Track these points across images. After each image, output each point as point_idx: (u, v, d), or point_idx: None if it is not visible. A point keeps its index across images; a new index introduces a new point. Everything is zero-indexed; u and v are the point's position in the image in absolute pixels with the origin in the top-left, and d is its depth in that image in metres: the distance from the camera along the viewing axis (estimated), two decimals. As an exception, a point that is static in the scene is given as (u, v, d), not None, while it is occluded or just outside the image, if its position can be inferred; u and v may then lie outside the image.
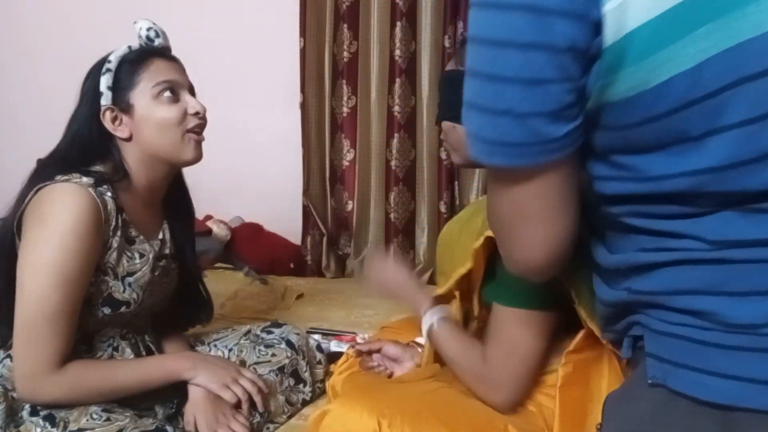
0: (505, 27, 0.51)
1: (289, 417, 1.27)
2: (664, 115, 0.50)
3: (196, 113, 1.14)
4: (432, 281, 2.21)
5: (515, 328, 0.94)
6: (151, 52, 1.15)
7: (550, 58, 0.50)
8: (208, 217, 2.56)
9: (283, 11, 2.60)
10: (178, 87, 1.14)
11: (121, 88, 1.11)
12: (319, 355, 1.41)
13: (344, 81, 2.54)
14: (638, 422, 0.59)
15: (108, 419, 1.04)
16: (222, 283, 2.08)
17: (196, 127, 1.15)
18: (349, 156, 2.60)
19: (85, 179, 1.05)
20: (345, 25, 2.50)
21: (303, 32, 2.52)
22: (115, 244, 1.10)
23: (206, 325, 1.41)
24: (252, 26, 2.69)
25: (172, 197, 1.26)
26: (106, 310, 1.11)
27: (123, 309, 1.13)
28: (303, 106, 2.56)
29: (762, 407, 0.50)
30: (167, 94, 1.11)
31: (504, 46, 0.51)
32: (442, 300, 1.12)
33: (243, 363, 1.31)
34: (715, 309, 0.52)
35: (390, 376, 1.28)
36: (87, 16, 2.82)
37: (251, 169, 2.67)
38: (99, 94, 1.10)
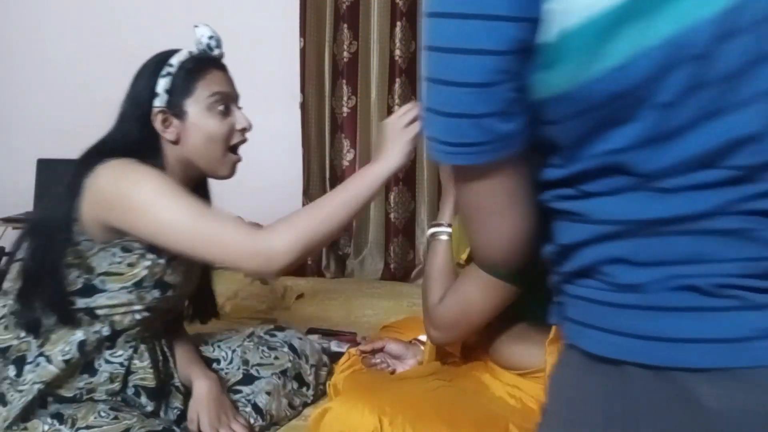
0: (455, 34, 0.54)
1: (290, 419, 1.28)
2: (599, 106, 0.53)
3: (243, 129, 1.17)
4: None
5: (474, 286, 0.98)
6: (209, 61, 1.17)
7: (497, 60, 0.53)
8: (208, 217, 2.56)
9: (283, 11, 2.60)
10: (230, 100, 1.17)
11: (177, 93, 1.12)
12: (324, 358, 1.41)
13: (344, 81, 2.54)
14: (562, 383, 0.65)
15: (116, 417, 1.05)
16: (222, 283, 2.07)
17: (239, 145, 1.18)
18: (349, 156, 2.60)
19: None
20: (345, 25, 2.50)
21: (303, 32, 2.52)
22: None
23: (206, 323, 1.41)
24: (252, 26, 2.69)
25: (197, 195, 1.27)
26: (156, 293, 1.12)
27: (169, 293, 1.14)
28: (303, 106, 2.57)
29: (644, 360, 0.54)
30: (220, 107, 1.13)
31: (456, 53, 0.54)
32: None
33: (246, 363, 1.31)
34: (613, 273, 0.57)
35: (392, 373, 1.28)
36: (85, 17, 2.82)
37: (251, 168, 2.65)
38: (154, 95, 1.11)
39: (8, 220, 2.66)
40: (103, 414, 1.04)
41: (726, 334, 0.52)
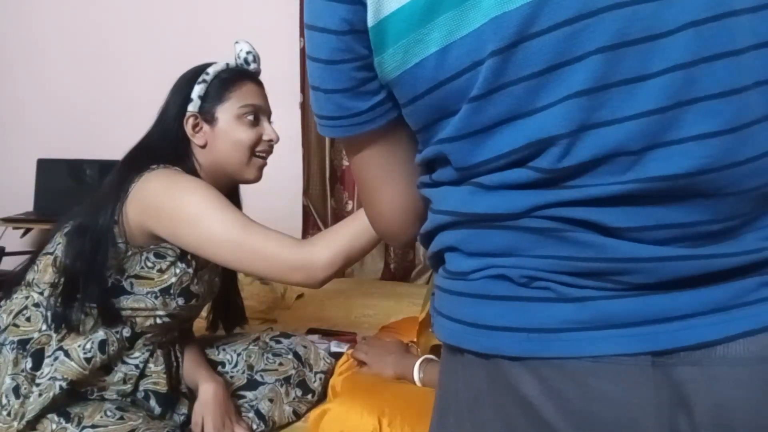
0: (309, 13, 0.59)
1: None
2: (424, 93, 0.56)
3: (270, 140, 1.22)
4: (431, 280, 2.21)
5: None
6: (245, 74, 1.22)
7: (338, 40, 0.57)
8: (208, 217, 2.56)
9: (283, 11, 2.60)
10: (260, 112, 1.22)
11: (210, 100, 1.17)
12: (332, 362, 1.40)
13: (344, 81, 2.54)
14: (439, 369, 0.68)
15: (121, 418, 1.05)
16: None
17: (264, 152, 1.22)
18: (349, 156, 2.60)
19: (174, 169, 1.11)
20: (345, 25, 2.50)
21: (303, 32, 2.52)
22: None
23: (230, 331, 1.44)
24: (252, 26, 2.68)
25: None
26: (180, 301, 1.15)
27: (193, 302, 1.17)
28: (303, 106, 2.57)
29: (470, 347, 0.57)
30: (250, 117, 1.19)
31: (310, 29, 0.59)
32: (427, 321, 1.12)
33: (251, 368, 1.32)
34: (449, 260, 0.61)
35: None
36: (90, 16, 2.82)
37: (251, 169, 2.68)
38: (189, 100, 1.17)
39: (8, 220, 2.66)
40: (109, 413, 1.05)
41: (537, 324, 0.53)
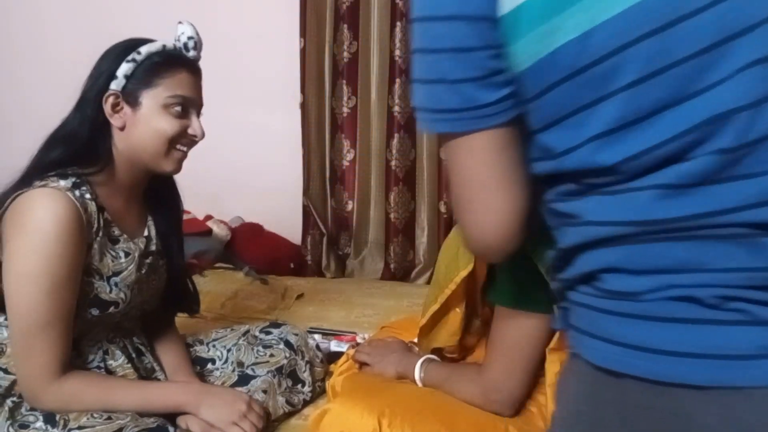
0: (431, 3, 0.56)
1: (289, 416, 1.27)
2: (557, 83, 0.53)
3: (194, 136, 1.14)
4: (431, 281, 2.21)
5: (514, 329, 0.94)
6: (182, 60, 1.13)
7: (470, 27, 0.54)
8: (208, 217, 2.56)
9: (283, 11, 2.60)
10: (190, 105, 1.13)
11: (136, 82, 1.09)
12: (318, 354, 1.40)
13: (344, 81, 2.54)
14: (567, 393, 0.63)
15: (109, 418, 1.03)
16: (222, 283, 2.08)
17: (185, 145, 1.14)
18: (349, 156, 2.60)
19: (62, 182, 1.04)
20: (345, 25, 2.50)
21: (303, 32, 2.52)
22: (97, 245, 1.08)
23: (193, 315, 1.40)
24: (252, 26, 2.69)
25: (157, 190, 1.23)
26: (94, 312, 1.10)
27: (111, 309, 1.12)
28: (303, 106, 2.56)
29: (641, 374, 0.52)
30: (177, 108, 1.10)
31: (432, 20, 0.56)
32: (438, 314, 1.11)
33: (241, 364, 1.31)
34: (607, 280, 0.55)
35: None
36: (86, 17, 2.82)
37: (251, 169, 2.67)
38: (113, 77, 1.09)
39: (8, 220, 2.66)
40: (96, 414, 1.03)
41: (728, 350, 0.49)
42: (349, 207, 2.63)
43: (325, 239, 2.60)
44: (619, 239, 0.53)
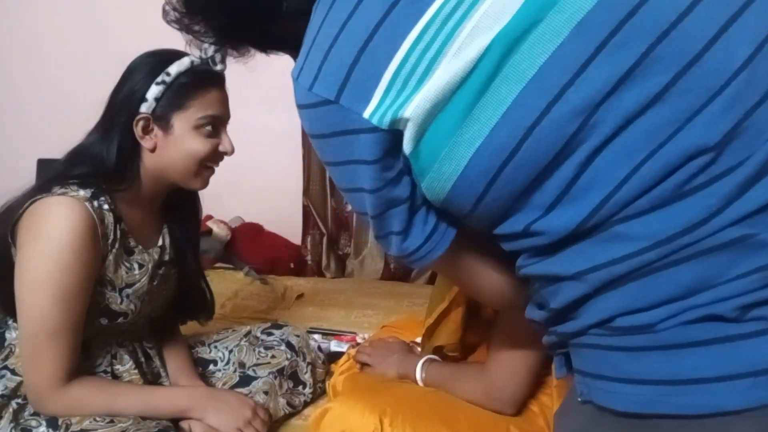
0: (343, 176, 0.62)
1: (290, 416, 1.27)
2: (487, 188, 0.55)
3: (225, 153, 1.15)
4: (432, 281, 2.21)
5: (517, 327, 0.93)
6: (210, 78, 1.12)
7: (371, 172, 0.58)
8: (208, 217, 2.56)
9: (283, 11, 2.60)
10: (220, 123, 1.13)
11: (167, 104, 1.08)
12: (320, 356, 1.40)
13: (344, 81, 2.54)
14: (571, 429, 0.60)
15: (111, 421, 1.03)
16: (222, 283, 2.08)
17: (215, 163, 1.15)
18: (349, 156, 2.60)
19: (82, 192, 1.04)
20: (345, 25, 2.50)
21: (303, 32, 2.52)
22: (112, 257, 1.08)
23: (205, 324, 1.40)
24: (252, 26, 2.68)
25: (174, 199, 1.23)
26: (103, 321, 1.10)
27: (120, 320, 1.12)
28: (303, 106, 2.56)
29: (672, 411, 0.48)
30: (209, 128, 1.10)
31: (352, 191, 0.62)
32: (442, 313, 1.11)
33: (242, 365, 1.31)
34: (621, 321, 0.52)
35: None
36: (89, 17, 2.82)
37: (251, 169, 2.66)
38: (143, 100, 1.07)
39: (8, 220, 2.66)
40: (98, 418, 1.03)
41: (758, 365, 0.45)
42: (349, 207, 2.63)
43: (325, 239, 2.60)
44: (619, 281, 0.51)
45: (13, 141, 2.98)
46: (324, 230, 2.61)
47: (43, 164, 2.79)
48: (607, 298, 0.52)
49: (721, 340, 0.47)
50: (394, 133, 0.55)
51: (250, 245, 2.49)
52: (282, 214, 2.65)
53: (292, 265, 2.57)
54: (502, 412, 0.98)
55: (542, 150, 0.51)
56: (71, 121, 3.36)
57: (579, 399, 0.58)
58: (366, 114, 0.55)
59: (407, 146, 0.55)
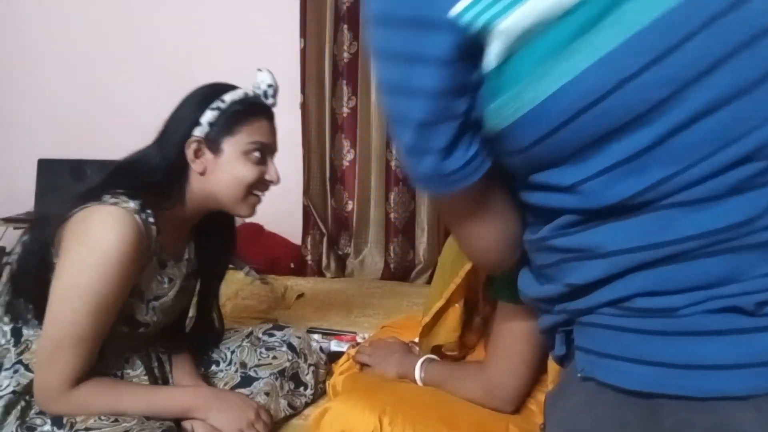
0: (394, 75, 0.55)
1: (290, 416, 1.27)
2: (558, 128, 0.52)
3: (270, 182, 1.18)
4: (431, 281, 2.21)
5: (516, 324, 0.94)
6: (261, 109, 1.17)
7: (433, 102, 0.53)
8: (208, 217, 2.56)
9: (283, 11, 2.60)
10: (267, 151, 1.17)
11: (218, 129, 1.12)
12: (323, 357, 1.41)
13: (344, 81, 2.54)
14: (573, 417, 0.59)
15: (116, 420, 1.03)
16: (222, 283, 2.08)
17: (261, 191, 1.18)
18: (349, 156, 2.60)
19: (132, 204, 1.04)
20: (345, 26, 2.50)
21: (303, 33, 2.52)
22: (148, 269, 1.10)
23: (211, 353, 1.40)
24: (252, 26, 2.69)
25: (207, 219, 1.24)
26: (125, 329, 1.11)
27: (141, 329, 1.14)
28: (303, 106, 2.57)
29: (680, 392, 0.50)
30: (257, 154, 1.14)
31: (395, 93, 0.56)
32: (440, 311, 1.11)
33: (244, 365, 1.31)
34: (638, 303, 0.53)
35: None
36: (87, 17, 2.82)
37: (251, 169, 2.68)
38: (197, 124, 1.11)
39: (8, 220, 2.66)
40: (102, 417, 1.03)
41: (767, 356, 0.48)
42: (349, 207, 2.64)
43: (325, 239, 2.61)
44: (650, 264, 0.51)
45: (13, 141, 2.98)
46: (324, 230, 2.62)
47: (43, 164, 2.80)
48: (632, 278, 0.53)
49: (738, 332, 0.48)
50: (474, 41, 0.50)
51: (250, 245, 2.49)
52: (282, 214, 2.65)
53: (292, 265, 2.57)
54: (501, 409, 0.99)
55: (624, 108, 0.49)
56: (71, 121, 3.39)
57: (579, 375, 0.58)
58: (456, 10, 0.49)
59: (491, 61, 0.51)
